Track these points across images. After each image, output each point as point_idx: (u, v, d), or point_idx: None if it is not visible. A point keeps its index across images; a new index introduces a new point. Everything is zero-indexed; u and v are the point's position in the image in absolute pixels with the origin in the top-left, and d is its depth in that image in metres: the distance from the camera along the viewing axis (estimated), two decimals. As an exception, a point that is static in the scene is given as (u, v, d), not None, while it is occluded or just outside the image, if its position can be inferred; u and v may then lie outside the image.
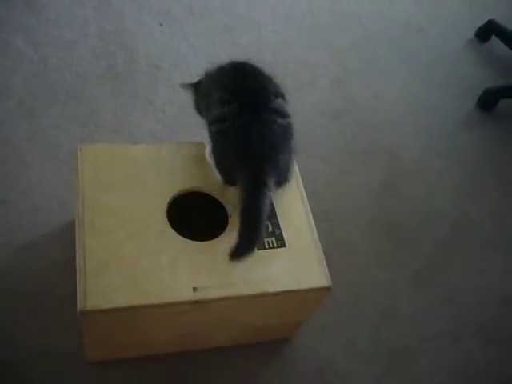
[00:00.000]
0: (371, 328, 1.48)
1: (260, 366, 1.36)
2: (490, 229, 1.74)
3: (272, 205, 1.23)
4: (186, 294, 1.07)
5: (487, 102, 2.03)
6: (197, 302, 1.08)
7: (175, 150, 1.29)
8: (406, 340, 1.48)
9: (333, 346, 1.42)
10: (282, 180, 1.21)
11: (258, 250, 1.17)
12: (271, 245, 1.19)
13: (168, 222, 1.15)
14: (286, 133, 1.20)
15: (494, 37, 2.26)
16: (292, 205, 1.26)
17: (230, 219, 1.20)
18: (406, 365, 1.44)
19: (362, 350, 1.44)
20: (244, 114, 1.15)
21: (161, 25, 1.94)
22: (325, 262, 1.19)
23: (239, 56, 1.83)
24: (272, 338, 1.38)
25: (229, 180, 1.20)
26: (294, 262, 1.18)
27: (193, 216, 1.27)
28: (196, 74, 1.64)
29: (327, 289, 1.18)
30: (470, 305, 1.58)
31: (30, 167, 1.51)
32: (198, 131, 1.49)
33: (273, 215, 1.23)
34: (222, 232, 1.18)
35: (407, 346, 1.47)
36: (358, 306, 1.50)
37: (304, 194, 1.28)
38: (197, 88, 1.33)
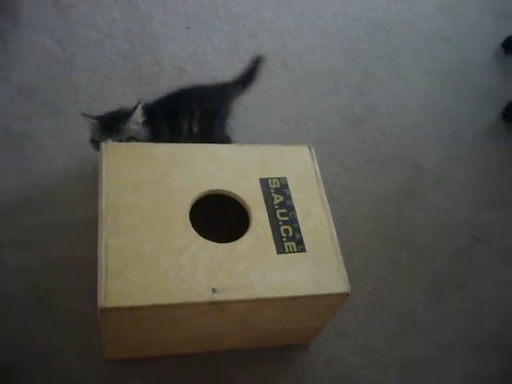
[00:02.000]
0: (388, 336, 1.47)
1: (276, 370, 1.35)
2: (510, 240, 1.72)
3: (293, 209, 1.24)
4: (205, 295, 1.08)
5: (511, 113, 2.01)
6: (215, 303, 1.08)
7: (198, 150, 1.30)
8: (422, 349, 1.46)
9: (349, 353, 1.42)
10: None
11: (278, 253, 1.17)
12: (291, 249, 1.19)
13: (189, 223, 1.16)
14: None
15: (520, 48, 2.24)
16: (313, 210, 1.26)
17: (251, 221, 1.20)
18: (422, 374, 1.43)
19: (377, 358, 1.43)
20: None
21: (187, 28, 1.95)
22: (344, 268, 1.19)
23: (262, 61, 1.86)
24: (289, 342, 1.38)
25: None
26: (314, 267, 1.18)
27: (214, 217, 1.27)
28: (220, 77, 1.67)
29: (346, 295, 1.17)
30: (487, 316, 1.56)
31: (55, 164, 1.53)
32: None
33: (294, 220, 1.23)
34: (242, 234, 1.19)
35: (423, 355, 1.46)
36: (375, 314, 1.50)
37: (325, 199, 1.28)
38: None
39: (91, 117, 1.39)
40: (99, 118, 1.40)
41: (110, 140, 1.36)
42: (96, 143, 1.38)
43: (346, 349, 1.42)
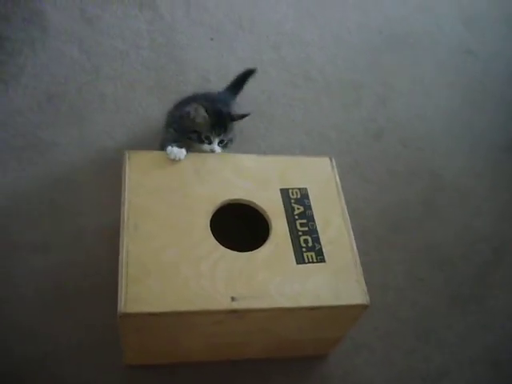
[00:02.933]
0: (407, 350, 1.46)
1: (294, 381, 1.35)
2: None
3: (313, 219, 1.24)
4: (224, 303, 1.09)
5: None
6: (234, 311, 1.09)
7: (220, 160, 1.31)
8: (442, 363, 1.45)
9: (368, 366, 1.41)
10: None
11: (298, 264, 1.18)
12: (310, 259, 1.19)
13: (210, 231, 1.17)
14: None
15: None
16: (333, 220, 1.26)
17: (271, 231, 1.21)
18: (442, 390, 1.42)
19: (396, 371, 1.42)
20: None
21: (211, 39, 1.98)
22: (363, 280, 1.19)
23: (285, 73, 1.88)
24: (307, 353, 1.38)
25: None
26: (333, 278, 1.18)
27: (235, 226, 1.28)
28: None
29: (364, 306, 1.17)
30: (509, 331, 1.54)
31: (78, 171, 1.56)
32: (242, 143, 1.52)
33: (314, 230, 1.24)
34: (262, 243, 1.20)
35: (443, 369, 1.44)
36: (395, 327, 1.49)
37: (345, 210, 1.28)
38: None
39: (205, 110, 1.34)
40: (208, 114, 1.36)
41: (216, 139, 1.35)
42: (207, 139, 1.35)
43: (364, 361, 1.42)
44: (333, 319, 1.22)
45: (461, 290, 1.59)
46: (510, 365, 1.49)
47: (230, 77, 1.80)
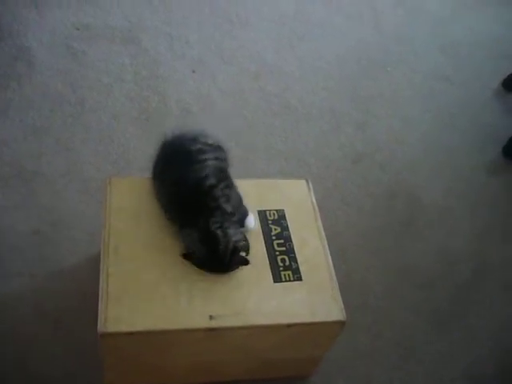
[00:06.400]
0: (389, 367, 1.48)
1: (275, 401, 1.37)
2: (511, 274, 1.73)
3: (290, 239, 1.28)
4: (202, 322, 1.11)
5: (511, 150, 2.05)
6: (212, 329, 1.11)
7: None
8: (423, 381, 1.47)
9: (349, 385, 1.43)
10: None
11: (275, 282, 1.21)
12: (287, 278, 1.22)
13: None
14: None
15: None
16: (309, 240, 1.30)
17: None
18: (424, 407, 1.43)
19: (378, 390, 1.44)
20: None
21: (193, 72, 2.04)
22: (340, 297, 1.22)
23: (265, 102, 1.93)
24: (289, 374, 1.39)
25: None
26: (310, 296, 1.21)
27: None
28: (222, 116, 1.73)
29: (341, 323, 1.20)
30: (489, 348, 1.56)
31: (63, 200, 1.59)
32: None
33: (291, 250, 1.27)
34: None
35: (425, 388, 1.46)
36: (376, 346, 1.51)
37: (322, 229, 1.32)
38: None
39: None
40: None
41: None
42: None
43: (347, 380, 1.43)
44: (311, 336, 1.24)
45: (441, 309, 1.62)
46: (491, 382, 1.51)
47: (211, 107, 1.86)
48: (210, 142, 1.26)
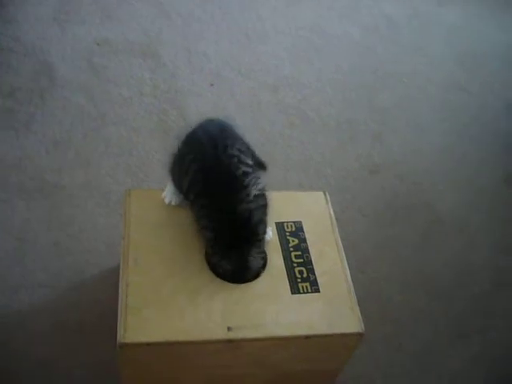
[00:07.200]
0: (407, 381, 1.47)
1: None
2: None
3: (307, 251, 1.29)
4: (221, 333, 1.12)
5: (530, 160, 2.04)
6: (230, 341, 1.12)
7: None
8: (443, 395, 1.46)
9: (368, 398, 1.42)
10: None
11: (292, 294, 1.21)
12: (305, 290, 1.23)
13: (206, 264, 1.21)
14: None
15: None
16: (327, 252, 1.30)
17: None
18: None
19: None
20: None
21: (211, 85, 2.06)
22: (358, 308, 1.21)
23: (283, 114, 1.94)
24: (308, 386, 1.39)
25: None
26: (327, 307, 1.21)
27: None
28: (240, 128, 1.74)
29: (359, 335, 1.19)
30: (509, 362, 1.54)
31: (83, 212, 1.62)
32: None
33: (308, 261, 1.27)
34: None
35: (445, 401, 1.45)
36: (395, 359, 1.50)
37: (339, 241, 1.32)
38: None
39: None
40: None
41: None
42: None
43: (365, 393, 1.43)
44: (329, 348, 1.24)
45: (460, 322, 1.61)
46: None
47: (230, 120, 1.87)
48: (249, 162, 1.25)
